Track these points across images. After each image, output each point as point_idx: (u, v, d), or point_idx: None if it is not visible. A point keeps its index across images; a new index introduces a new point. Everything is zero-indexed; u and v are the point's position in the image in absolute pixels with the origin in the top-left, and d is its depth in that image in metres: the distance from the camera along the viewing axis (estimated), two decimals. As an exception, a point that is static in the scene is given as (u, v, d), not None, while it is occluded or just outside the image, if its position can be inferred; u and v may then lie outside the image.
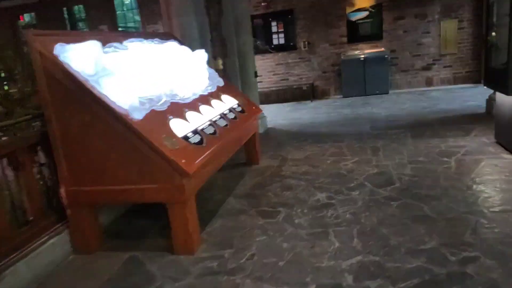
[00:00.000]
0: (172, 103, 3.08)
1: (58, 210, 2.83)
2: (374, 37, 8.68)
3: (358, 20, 8.66)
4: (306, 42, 8.96)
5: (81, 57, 2.54)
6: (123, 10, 10.33)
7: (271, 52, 9.22)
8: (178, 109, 3.09)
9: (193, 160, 2.60)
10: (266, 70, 9.37)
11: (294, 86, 9.10)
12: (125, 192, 2.64)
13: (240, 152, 4.07)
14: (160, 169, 2.51)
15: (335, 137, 5.30)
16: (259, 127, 5.92)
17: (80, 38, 2.77)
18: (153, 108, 2.80)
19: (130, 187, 2.61)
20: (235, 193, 3.69)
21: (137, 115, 2.56)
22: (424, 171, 3.67)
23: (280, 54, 9.22)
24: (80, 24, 11.04)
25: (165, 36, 4.23)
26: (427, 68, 8.61)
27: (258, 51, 9.16)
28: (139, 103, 2.69)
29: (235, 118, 3.72)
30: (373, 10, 8.56)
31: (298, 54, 9.10)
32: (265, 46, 9.19)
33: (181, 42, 4.32)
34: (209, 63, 4.77)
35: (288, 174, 4.05)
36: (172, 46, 3.86)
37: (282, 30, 9.01)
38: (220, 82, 4.22)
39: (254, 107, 4.38)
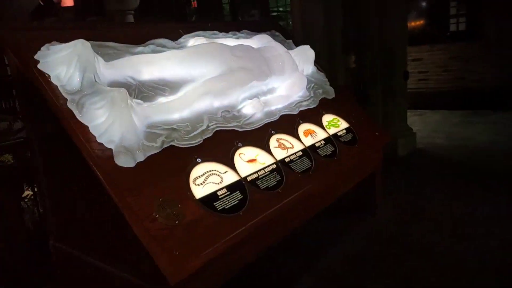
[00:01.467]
0: (221, 132, 2.02)
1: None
2: None
3: None
4: (499, 30, 6.51)
5: (62, 64, 1.70)
6: (276, -7, 9.58)
7: (445, 42, 7.08)
8: (226, 142, 2.01)
9: (199, 250, 1.50)
10: (435, 64, 7.27)
11: (473, 90, 6.80)
12: (100, 272, 1.74)
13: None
14: (137, 257, 1.51)
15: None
16: (400, 148, 4.36)
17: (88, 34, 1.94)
18: (172, 143, 1.79)
19: (105, 267, 1.70)
20: (318, 268, 2.43)
21: (125, 161, 1.58)
22: None
23: (457, 44, 6.99)
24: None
25: (263, 26, 3.13)
26: None
27: (426, 40, 7.17)
28: (145, 137, 1.71)
29: (333, 154, 2.41)
30: None
31: (484, 46, 6.72)
32: (437, 33, 7.10)
33: (281, 35, 3.15)
34: (331, 61, 3.51)
35: (415, 248, 2.53)
36: (258, 41, 2.75)
37: (464, 12, 6.75)
38: (329, 93, 2.92)
39: (377, 133, 2.93)
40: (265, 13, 9.26)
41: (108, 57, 1.92)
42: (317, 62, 3.10)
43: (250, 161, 2.00)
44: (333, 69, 3.96)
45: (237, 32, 2.77)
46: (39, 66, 1.68)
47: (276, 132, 2.27)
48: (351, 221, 2.98)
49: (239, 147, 2.03)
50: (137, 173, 1.60)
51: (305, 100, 2.67)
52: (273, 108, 2.41)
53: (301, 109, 2.58)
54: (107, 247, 1.68)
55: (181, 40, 2.37)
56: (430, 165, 4.15)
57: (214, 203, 1.70)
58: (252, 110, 2.25)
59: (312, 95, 2.77)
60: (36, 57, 1.70)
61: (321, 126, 2.57)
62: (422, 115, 6.48)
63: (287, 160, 2.16)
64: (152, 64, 2.00)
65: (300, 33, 3.97)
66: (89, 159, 1.52)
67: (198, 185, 1.72)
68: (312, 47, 2.93)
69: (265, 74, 2.43)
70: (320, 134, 2.51)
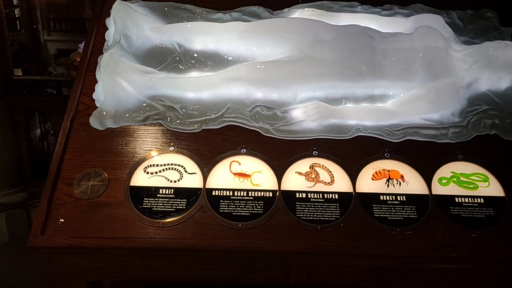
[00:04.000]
0: (240, 129, 1.66)
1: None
2: None
3: None
4: None
5: (113, 22, 1.83)
6: None
7: None
8: (233, 141, 1.64)
9: (80, 233, 1.43)
10: None
11: None
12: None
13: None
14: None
15: None
16: None
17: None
18: (161, 121, 1.66)
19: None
20: None
21: (93, 122, 1.63)
22: None
23: None
24: None
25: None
26: None
27: None
28: (136, 106, 1.67)
29: (403, 222, 1.46)
30: None
31: None
32: None
33: (497, 17, 1.94)
34: None
35: None
36: (411, 24, 1.84)
37: None
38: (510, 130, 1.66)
39: None
40: None
41: (177, 20, 1.91)
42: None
43: (240, 175, 1.57)
44: None
45: (394, 7, 1.97)
46: (106, 20, 1.90)
47: (320, 155, 1.61)
48: None
49: (240, 153, 1.61)
50: (101, 137, 1.63)
51: (432, 127, 1.67)
52: (351, 122, 1.68)
53: (412, 138, 1.65)
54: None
55: (284, 10, 1.96)
56: None
57: (145, 199, 1.51)
58: (302, 116, 1.67)
59: (464, 123, 1.68)
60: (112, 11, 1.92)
61: (426, 175, 1.57)
62: None
63: (300, 195, 1.53)
64: (205, 34, 1.82)
65: None
66: (70, 107, 1.68)
67: (147, 173, 1.56)
68: None
69: (356, 73, 1.69)
70: (412, 186, 1.55)
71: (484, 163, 1.60)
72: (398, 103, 1.71)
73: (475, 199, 1.53)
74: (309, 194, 1.53)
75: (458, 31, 1.91)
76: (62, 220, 1.46)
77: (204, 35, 1.82)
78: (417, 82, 1.70)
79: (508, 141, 1.65)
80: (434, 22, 1.82)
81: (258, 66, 1.70)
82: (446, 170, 1.59)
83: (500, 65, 1.71)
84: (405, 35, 1.75)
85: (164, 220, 1.46)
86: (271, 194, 1.52)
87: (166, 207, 1.49)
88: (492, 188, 1.55)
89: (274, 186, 1.54)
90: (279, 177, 1.56)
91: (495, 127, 1.67)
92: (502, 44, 1.72)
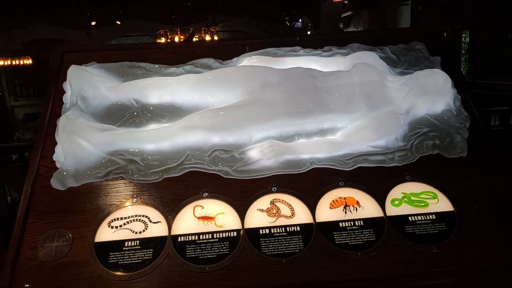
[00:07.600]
0: (200, 174, 1.72)
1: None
2: None
3: None
4: None
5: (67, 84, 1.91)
6: None
7: None
8: (194, 187, 1.69)
9: (49, 295, 1.43)
10: None
11: None
12: None
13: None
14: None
15: None
16: None
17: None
18: (123, 175, 1.70)
19: None
20: None
21: (54, 183, 1.65)
22: None
23: None
24: None
25: (405, 35, 2.22)
26: None
27: None
28: (96, 163, 1.72)
29: (363, 246, 1.53)
30: None
31: None
32: None
33: (426, 48, 2.13)
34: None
35: None
36: (350, 61, 2.01)
37: None
38: (452, 149, 1.79)
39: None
40: None
41: (133, 78, 2.00)
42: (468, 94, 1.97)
43: (204, 218, 1.62)
44: None
45: (333, 48, 2.14)
46: (63, 84, 1.98)
47: (279, 190, 1.69)
48: None
49: (202, 197, 1.67)
50: (64, 198, 1.66)
51: (380, 153, 1.78)
52: (305, 156, 1.78)
53: (363, 165, 1.76)
54: None
55: (234, 59, 2.10)
56: None
57: (111, 254, 1.52)
58: (258, 155, 1.76)
59: (407, 147, 1.81)
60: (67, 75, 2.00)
61: (379, 199, 1.67)
62: None
63: (263, 232, 1.58)
64: (160, 88, 1.92)
65: None
66: (30, 171, 1.71)
67: (112, 227, 1.58)
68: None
69: (304, 110, 1.81)
70: (367, 210, 1.64)
71: (431, 182, 1.71)
72: (346, 134, 1.83)
73: (427, 216, 1.63)
74: (272, 229, 1.58)
75: (393, 63, 2.08)
76: (28, 286, 1.45)
77: (159, 89, 1.92)
78: (360, 113, 1.84)
79: (450, 159, 1.78)
80: (369, 58, 2.00)
81: (211, 113, 1.79)
82: (397, 192, 1.69)
83: (433, 91, 1.87)
84: (343, 72, 1.91)
85: (131, 273, 1.48)
86: (235, 234, 1.57)
87: (132, 259, 1.51)
88: (442, 204, 1.66)
89: (238, 226, 1.59)
90: (242, 216, 1.61)
91: (437, 147, 1.80)
92: (431, 71, 1.89)
